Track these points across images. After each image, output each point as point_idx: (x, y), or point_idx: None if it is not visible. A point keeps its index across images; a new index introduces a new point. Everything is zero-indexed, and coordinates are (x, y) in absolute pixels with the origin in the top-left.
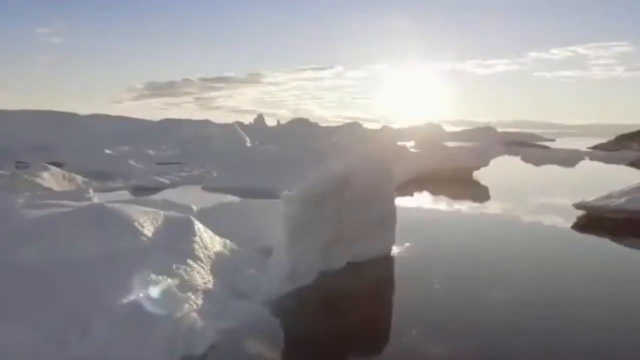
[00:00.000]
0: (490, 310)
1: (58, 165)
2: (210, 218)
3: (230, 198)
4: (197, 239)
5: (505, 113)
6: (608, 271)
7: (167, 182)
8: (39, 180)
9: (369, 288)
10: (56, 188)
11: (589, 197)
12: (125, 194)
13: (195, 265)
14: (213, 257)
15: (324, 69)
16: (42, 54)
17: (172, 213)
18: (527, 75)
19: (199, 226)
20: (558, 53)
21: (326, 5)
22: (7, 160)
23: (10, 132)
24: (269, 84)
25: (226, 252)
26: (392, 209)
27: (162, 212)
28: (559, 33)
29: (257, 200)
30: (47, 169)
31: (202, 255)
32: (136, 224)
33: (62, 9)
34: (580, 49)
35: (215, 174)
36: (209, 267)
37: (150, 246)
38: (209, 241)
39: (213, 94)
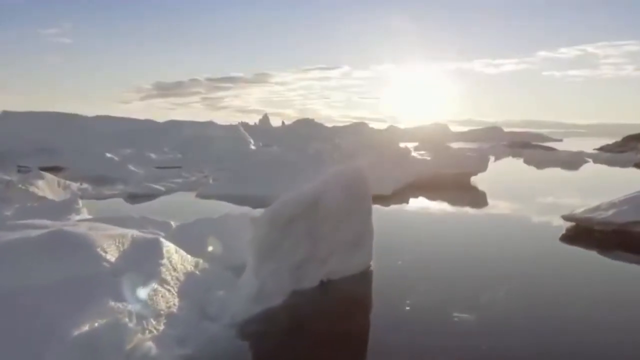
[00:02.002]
0: (464, 331)
1: (59, 169)
2: (188, 234)
3: (223, 205)
4: (164, 261)
5: (513, 112)
6: (592, 285)
7: (163, 189)
8: (33, 189)
9: (340, 306)
10: (50, 196)
11: (584, 205)
12: (118, 202)
13: (160, 289)
14: (182, 278)
15: (331, 68)
16: (50, 55)
17: (141, 234)
18: (535, 74)
19: (168, 247)
20: (567, 52)
21: (333, 6)
22: (10, 163)
23: (15, 133)
24: (276, 83)
25: (197, 272)
26: (369, 226)
27: (129, 234)
28: (568, 32)
29: (240, 213)
30: (42, 177)
31: (169, 278)
32: (99, 249)
33: (70, 11)
34: (589, 48)
35: (211, 180)
36: (177, 290)
37: (112, 272)
38: (179, 262)
39: (220, 93)
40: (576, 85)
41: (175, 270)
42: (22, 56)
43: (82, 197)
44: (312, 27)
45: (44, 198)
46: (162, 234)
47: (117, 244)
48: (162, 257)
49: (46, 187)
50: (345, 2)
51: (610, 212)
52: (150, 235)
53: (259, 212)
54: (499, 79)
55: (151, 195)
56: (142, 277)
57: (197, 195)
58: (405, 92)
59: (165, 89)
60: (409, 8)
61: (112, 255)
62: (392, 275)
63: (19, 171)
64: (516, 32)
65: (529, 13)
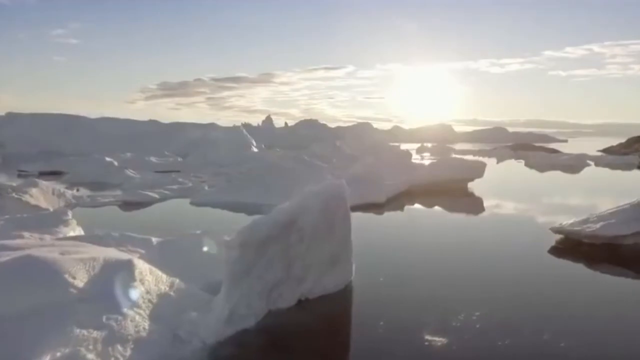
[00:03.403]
0: (440, 352)
1: (59, 173)
2: (168, 251)
3: (215, 213)
4: (136, 283)
5: (519, 112)
6: (577, 300)
7: (157, 196)
8: (26, 198)
9: (315, 325)
10: (44, 204)
11: (578, 211)
12: (111, 210)
13: (130, 313)
14: (155, 300)
15: (336, 68)
16: (57, 56)
17: (115, 256)
18: (541, 74)
19: (141, 269)
20: (573, 52)
21: (338, 5)
22: (13, 166)
23: (19, 135)
24: (281, 83)
25: (172, 293)
26: (348, 243)
27: (101, 257)
28: (574, 31)
29: (222, 228)
30: (36, 185)
31: (140, 301)
32: (67, 275)
33: (77, 12)
34: (595, 48)
35: (206, 187)
36: (148, 313)
37: (79, 298)
38: (154, 283)
39: (225, 93)
40: (582, 85)
41: (148, 292)
42: (28, 57)
43: (76, 205)
44: (317, 26)
45: (37, 207)
46: (142, 251)
47: (87, 268)
48: (133, 280)
49: (40, 195)
50: (350, 1)
51: (598, 225)
52: (124, 257)
53: (253, 218)
54: (504, 78)
55: (145, 203)
56: (111, 302)
57: (191, 203)
58: (410, 91)
59: (170, 89)
60: (413, 7)
61: (80, 281)
62: (372, 292)
63: (19, 176)
64: (522, 32)
65: (535, 12)
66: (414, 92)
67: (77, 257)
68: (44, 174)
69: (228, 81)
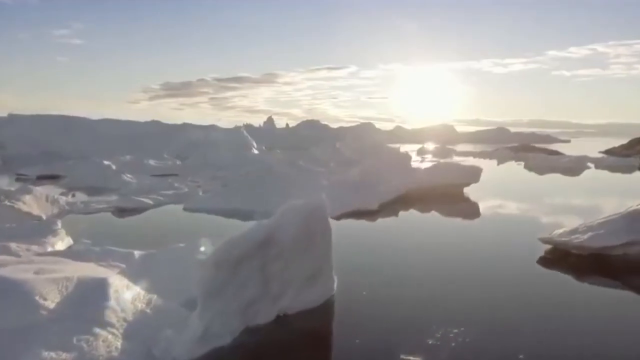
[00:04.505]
0: None
1: (57, 177)
2: (150, 265)
3: (208, 220)
4: (110, 302)
5: (522, 112)
6: (563, 314)
7: (151, 202)
8: (19, 205)
9: (291, 341)
10: (36, 212)
11: (570, 216)
12: (104, 218)
13: (103, 333)
14: (130, 318)
15: (339, 68)
16: (60, 56)
17: (91, 274)
18: (545, 74)
19: (117, 286)
20: (577, 52)
21: (340, 5)
22: (13, 169)
23: (20, 137)
24: (284, 83)
25: (148, 310)
26: (328, 258)
27: (75, 277)
28: (578, 31)
29: (212, 237)
30: (29, 192)
31: (114, 320)
32: (37, 297)
33: (81, 12)
34: (599, 47)
35: (201, 192)
36: (122, 332)
37: (49, 319)
38: (130, 300)
39: (228, 93)
40: (586, 85)
41: (123, 310)
42: (31, 58)
43: (69, 212)
44: (319, 27)
45: (29, 214)
46: (123, 266)
47: (59, 288)
48: (107, 299)
49: (33, 202)
50: (352, 1)
51: (586, 236)
52: (100, 275)
53: (245, 224)
54: (507, 78)
55: (139, 209)
56: (82, 322)
57: (184, 209)
58: (413, 91)
59: (173, 89)
60: (415, 7)
61: (52, 302)
62: (353, 307)
63: (17, 179)
64: (525, 32)
65: (539, 12)
66: (416, 92)
67: (50, 276)
68: (42, 178)
69: (231, 81)
